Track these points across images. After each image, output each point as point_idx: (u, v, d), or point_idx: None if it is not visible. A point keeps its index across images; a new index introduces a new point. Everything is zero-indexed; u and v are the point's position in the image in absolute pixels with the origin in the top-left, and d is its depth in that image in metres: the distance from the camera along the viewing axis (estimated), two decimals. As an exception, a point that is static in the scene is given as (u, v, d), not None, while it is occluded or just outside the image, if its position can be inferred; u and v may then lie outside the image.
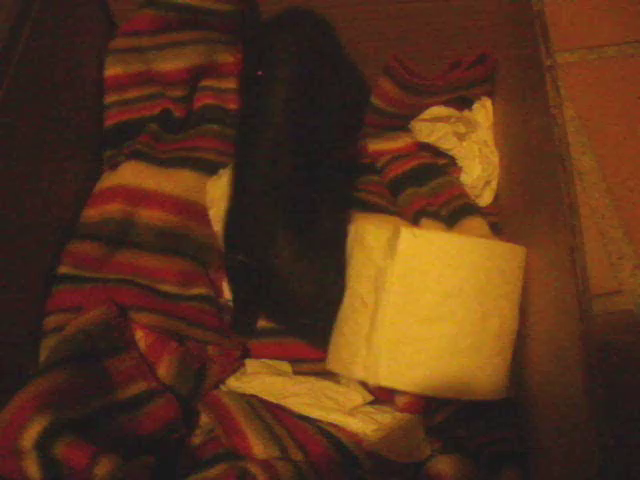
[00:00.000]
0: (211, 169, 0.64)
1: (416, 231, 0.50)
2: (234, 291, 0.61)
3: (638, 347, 0.60)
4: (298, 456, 0.51)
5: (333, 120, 0.60)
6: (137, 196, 0.61)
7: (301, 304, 0.57)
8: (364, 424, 0.53)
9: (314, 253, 0.56)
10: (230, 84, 0.68)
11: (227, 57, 0.67)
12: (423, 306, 0.50)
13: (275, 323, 0.62)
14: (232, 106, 0.67)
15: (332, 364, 0.55)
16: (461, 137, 0.68)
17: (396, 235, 0.50)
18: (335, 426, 0.54)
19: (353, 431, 0.54)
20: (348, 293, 0.54)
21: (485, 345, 0.50)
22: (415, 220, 0.64)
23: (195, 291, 0.59)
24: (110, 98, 0.67)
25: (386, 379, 0.50)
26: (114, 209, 0.60)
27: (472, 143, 0.68)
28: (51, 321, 0.55)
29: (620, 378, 0.57)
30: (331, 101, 0.60)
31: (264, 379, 0.57)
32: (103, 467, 0.43)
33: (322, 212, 0.58)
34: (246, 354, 0.60)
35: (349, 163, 0.68)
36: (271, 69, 0.57)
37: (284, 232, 0.55)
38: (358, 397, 0.55)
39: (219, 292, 0.62)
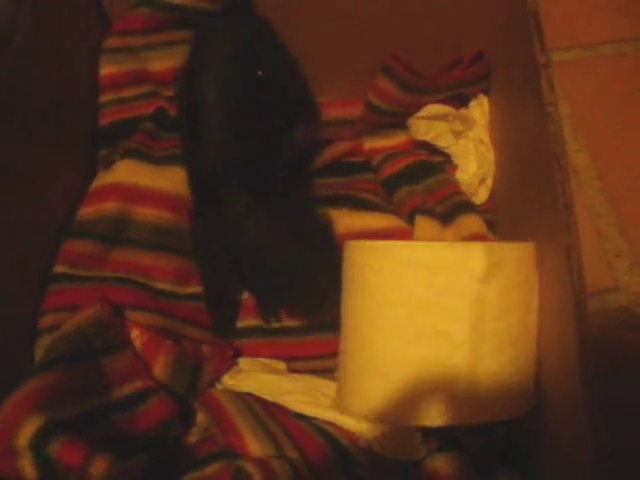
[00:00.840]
0: None
1: (490, 245, 0.47)
2: (209, 293, 0.61)
3: (634, 343, 0.61)
4: (293, 454, 0.51)
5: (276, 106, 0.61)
6: (132, 194, 0.61)
7: (293, 274, 0.55)
8: (359, 422, 0.53)
9: (287, 223, 0.56)
10: None
11: None
12: (512, 328, 0.47)
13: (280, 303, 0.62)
14: None
15: (407, 417, 0.47)
16: (458, 135, 0.68)
17: (479, 255, 0.46)
18: (331, 424, 0.54)
19: (349, 429, 0.53)
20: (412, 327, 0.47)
21: (532, 351, 0.49)
22: (410, 218, 0.64)
23: (190, 289, 0.59)
24: (106, 97, 0.67)
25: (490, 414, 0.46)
26: (110, 207, 0.60)
27: (468, 141, 0.68)
28: (47, 320, 0.55)
29: (616, 375, 0.57)
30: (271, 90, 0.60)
31: (259, 377, 0.57)
32: (98, 466, 0.43)
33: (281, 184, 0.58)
34: (239, 353, 0.60)
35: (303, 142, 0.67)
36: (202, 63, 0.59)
37: (251, 208, 0.55)
38: None
39: None
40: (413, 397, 0.46)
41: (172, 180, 0.62)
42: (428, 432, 0.53)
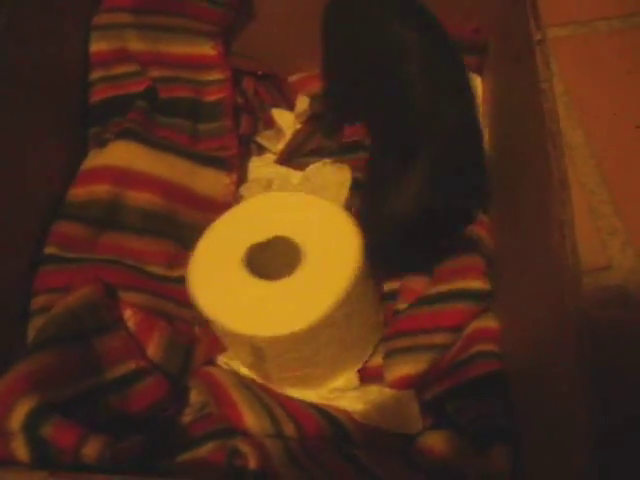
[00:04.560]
0: (201, 159, 0.64)
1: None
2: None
3: (627, 322, 0.61)
4: (290, 428, 0.51)
5: None
6: (126, 177, 0.60)
7: None
8: (352, 403, 0.53)
9: None
10: (210, 76, 0.68)
11: (207, 49, 0.68)
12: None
13: None
14: (209, 98, 0.68)
15: None
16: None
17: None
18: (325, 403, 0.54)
19: (344, 408, 0.54)
20: None
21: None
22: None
23: (181, 272, 0.59)
24: (96, 74, 0.67)
25: None
26: (102, 190, 0.59)
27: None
28: (38, 301, 0.55)
29: (610, 353, 0.57)
30: None
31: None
32: (91, 447, 0.43)
33: None
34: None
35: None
36: None
37: None
38: (340, 380, 0.55)
39: None
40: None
41: (167, 166, 0.62)
42: (423, 409, 0.53)
